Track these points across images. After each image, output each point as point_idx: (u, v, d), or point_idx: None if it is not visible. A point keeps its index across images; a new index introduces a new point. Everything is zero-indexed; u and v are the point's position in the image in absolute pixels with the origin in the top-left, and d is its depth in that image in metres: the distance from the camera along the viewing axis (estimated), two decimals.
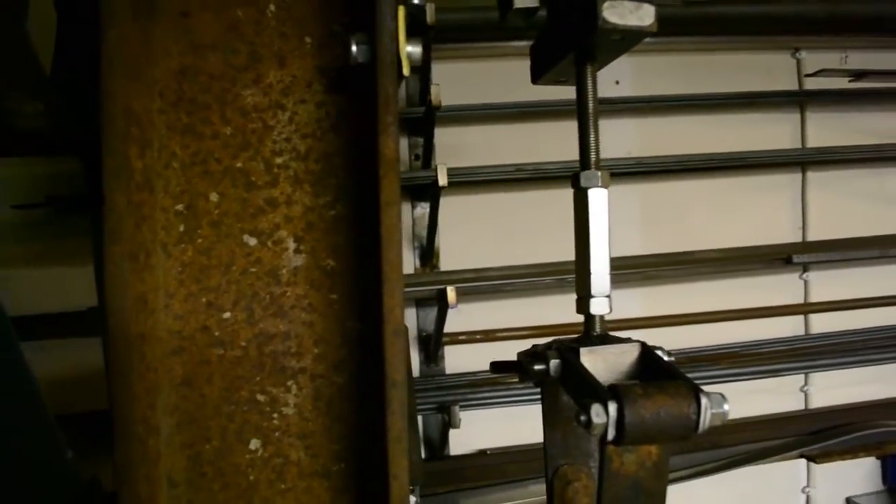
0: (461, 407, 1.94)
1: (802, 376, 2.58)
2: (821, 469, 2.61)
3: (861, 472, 2.70)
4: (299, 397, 0.93)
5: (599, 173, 0.95)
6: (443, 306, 1.81)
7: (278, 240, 0.93)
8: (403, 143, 2.19)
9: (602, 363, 0.90)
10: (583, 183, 0.95)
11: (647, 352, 0.91)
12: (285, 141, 0.95)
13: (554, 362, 0.92)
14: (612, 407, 0.76)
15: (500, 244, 2.30)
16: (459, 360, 2.26)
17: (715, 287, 2.45)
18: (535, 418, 2.35)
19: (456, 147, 2.27)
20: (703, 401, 0.79)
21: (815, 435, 2.27)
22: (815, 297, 2.57)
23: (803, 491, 2.62)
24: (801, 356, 2.37)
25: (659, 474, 0.84)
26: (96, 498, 1.21)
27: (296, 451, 0.93)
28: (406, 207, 2.23)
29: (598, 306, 0.94)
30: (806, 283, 2.56)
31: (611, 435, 0.77)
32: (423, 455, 2.19)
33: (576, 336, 0.96)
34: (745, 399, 2.43)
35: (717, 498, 2.51)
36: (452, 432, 2.19)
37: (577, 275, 0.96)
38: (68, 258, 2.19)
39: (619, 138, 2.34)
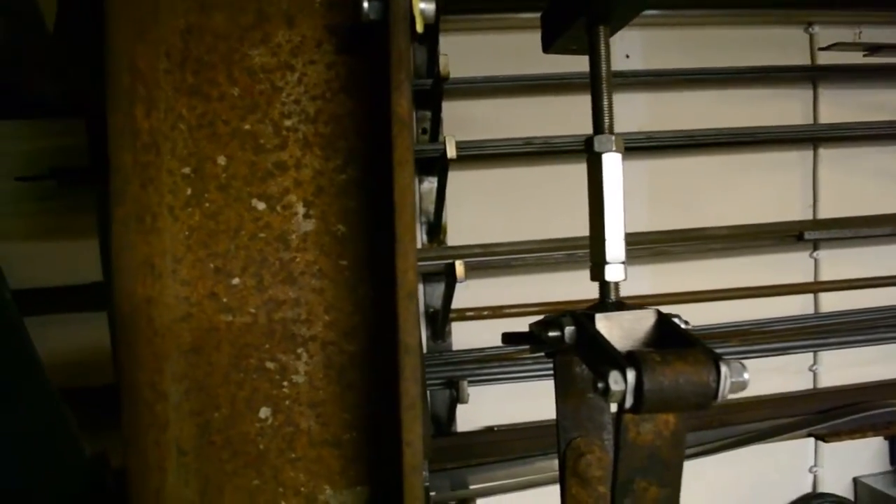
0: (469, 382, 1.92)
1: (811, 356, 2.57)
2: (828, 449, 2.60)
3: (868, 453, 2.69)
4: (310, 365, 0.91)
5: (613, 137, 0.93)
6: (451, 281, 1.79)
7: (287, 204, 0.91)
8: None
9: (618, 330, 0.88)
10: (596, 147, 0.92)
11: (663, 319, 0.89)
12: (294, 103, 0.92)
13: (569, 329, 0.90)
14: (631, 374, 0.74)
15: (509, 220, 2.28)
16: (467, 336, 2.25)
17: (724, 265, 2.43)
18: (543, 396, 2.34)
19: (464, 121, 2.24)
20: (724, 369, 0.77)
21: (824, 414, 2.26)
22: (824, 277, 2.54)
23: (811, 470, 2.61)
24: (810, 335, 2.35)
25: (676, 444, 0.82)
26: (104, 473, 1.20)
27: (306, 419, 0.91)
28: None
29: (613, 273, 0.92)
30: (816, 261, 2.54)
31: (628, 403, 0.75)
32: (431, 431, 2.19)
33: (591, 305, 0.94)
34: (753, 378, 2.40)
35: (724, 477, 2.50)
36: (460, 409, 2.18)
37: (591, 241, 0.94)
38: (73, 232, 2.17)
39: (629, 113, 2.32)
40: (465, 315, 2.13)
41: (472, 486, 1.98)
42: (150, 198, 0.86)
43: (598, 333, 0.85)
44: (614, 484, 0.82)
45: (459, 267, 1.68)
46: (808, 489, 2.61)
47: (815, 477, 2.61)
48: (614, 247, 0.92)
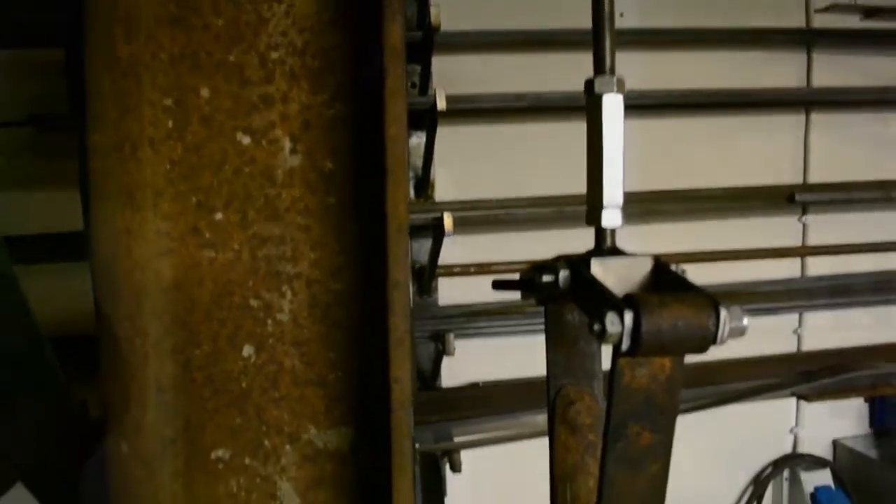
0: (456, 336, 1.91)
1: (796, 319, 2.57)
2: (809, 411, 2.62)
3: (848, 415, 2.71)
4: (294, 303, 0.89)
5: (615, 78, 0.90)
6: (438, 235, 1.76)
7: (273, 139, 0.88)
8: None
9: (614, 275, 0.86)
10: (597, 88, 0.89)
11: (660, 265, 0.87)
12: (281, 35, 0.89)
13: (564, 273, 0.88)
14: (628, 316, 0.72)
15: (498, 177, 2.24)
16: (453, 293, 2.23)
17: (714, 227, 2.41)
18: (528, 352, 2.33)
19: (454, 76, 2.20)
20: (723, 312, 0.75)
21: (807, 375, 2.26)
22: (812, 241, 2.53)
23: (791, 431, 2.63)
24: (796, 297, 2.35)
25: (671, 389, 0.81)
26: (85, 421, 1.17)
27: (290, 358, 0.89)
28: None
29: (609, 218, 0.89)
30: (804, 226, 2.52)
31: (625, 345, 0.73)
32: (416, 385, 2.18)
33: (585, 251, 0.91)
34: (737, 340, 2.41)
35: (706, 438, 2.51)
36: (445, 366, 2.17)
37: (588, 185, 0.91)
38: (53, 180, 2.12)
39: (621, 72, 2.27)
40: (452, 271, 2.11)
41: (456, 439, 1.97)
42: (129, 127, 0.83)
43: (593, 277, 0.83)
44: (607, 428, 0.80)
45: (448, 219, 1.65)
46: (788, 450, 2.63)
47: (795, 438, 2.63)
48: (612, 191, 0.89)
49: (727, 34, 2.35)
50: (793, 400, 2.57)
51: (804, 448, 2.63)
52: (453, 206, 1.99)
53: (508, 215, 2.09)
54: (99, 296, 0.81)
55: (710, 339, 0.74)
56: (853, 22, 2.39)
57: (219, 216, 0.87)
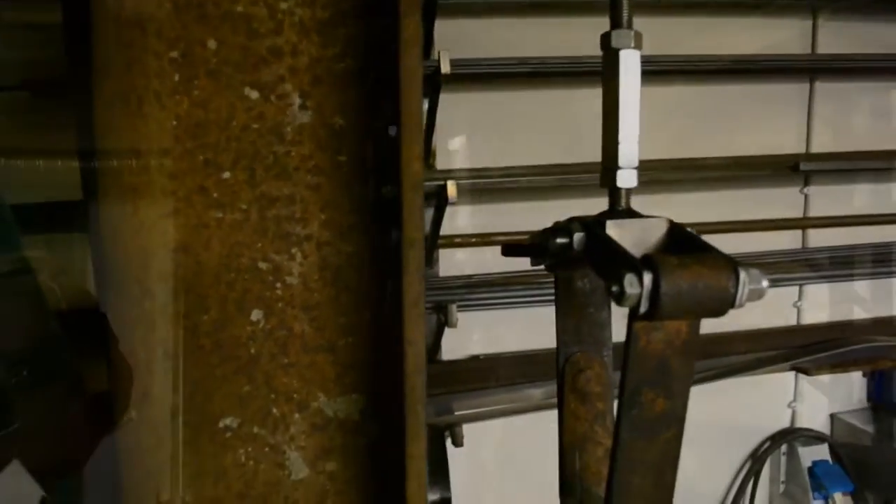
0: (458, 307, 1.89)
1: (796, 292, 2.56)
2: (807, 385, 2.62)
3: (846, 390, 2.71)
4: (304, 266, 0.86)
5: (633, 32, 0.87)
6: (441, 203, 1.73)
7: (282, 94, 0.85)
8: None
9: (629, 237, 0.84)
10: (614, 43, 0.87)
11: (675, 227, 0.86)
12: None
13: (578, 235, 0.86)
14: (648, 277, 0.70)
15: (501, 145, 2.21)
16: (454, 264, 2.21)
17: (715, 198, 2.39)
18: (530, 325, 2.32)
19: (457, 41, 2.16)
20: (742, 274, 0.73)
21: (807, 348, 2.26)
22: (814, 213, 2.52)
23: (789, 406, 2.63)
24: (797, 269, 2.34)
25: (687, 355, 0.79)
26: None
27: (300, 323, 0.87)
28: None
29: (625, 178, 0.88)
30: (806, 197, 2.51)
31: (644, 307, 0.71)
32: None
33: (599, 213, 0.89)
34: (737, 312, 2.41)
35: (705, 411, 2.51)
36: (445, 340, 2.16)
37: (603, 145, 0.89)
38: (48, 148, 2.08)
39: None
40: (453, 242, 2.09)
41: (457, 413, 1.96)
42: (134, 80, 0.80)
43: (609, 238, 0.81)
44: (622, 394, 0.79)
45: (451, 187, 1.63)
46: (786, 424, 2.63)
47: (793, 412, 2.63)
48: (628, 151, 0.88)
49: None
50: (791, 374, 2.57)
51: (802, 423, 2.63)
52: (456, 175, 1.96)
53: (512, 183, 2.06)
54: (106, 255, 0.79)
55: (729, 302, 0.73)
56: None
57: (226, 175, 0.85)
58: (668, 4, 2.30)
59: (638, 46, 0.88)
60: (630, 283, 0.70)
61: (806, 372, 2.22)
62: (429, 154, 2.07)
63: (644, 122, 2.46)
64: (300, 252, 0.86)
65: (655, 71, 2.23)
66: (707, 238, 2.36)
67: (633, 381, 0.79)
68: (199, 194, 0.84)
